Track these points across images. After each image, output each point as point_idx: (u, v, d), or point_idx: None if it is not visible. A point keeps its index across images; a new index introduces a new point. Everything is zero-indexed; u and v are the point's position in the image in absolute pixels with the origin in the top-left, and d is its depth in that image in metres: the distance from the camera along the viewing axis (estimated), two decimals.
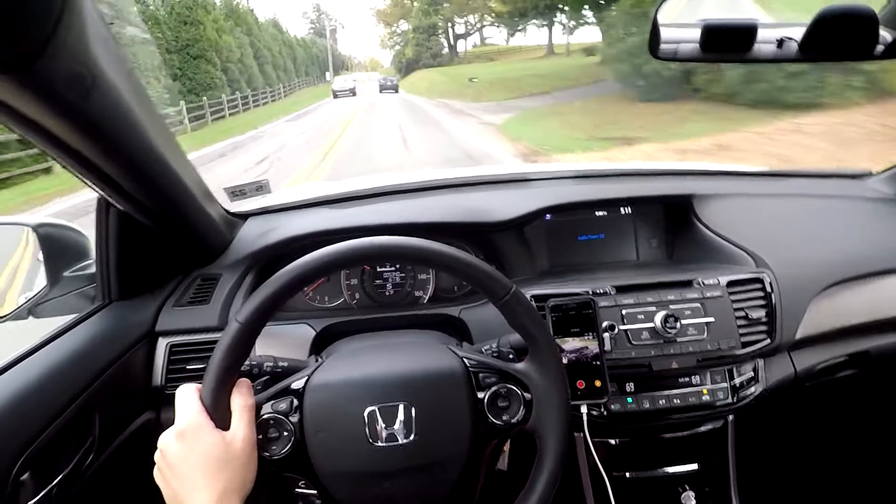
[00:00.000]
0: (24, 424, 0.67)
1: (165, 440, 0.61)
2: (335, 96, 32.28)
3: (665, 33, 0.92)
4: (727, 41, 0.96)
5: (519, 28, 52.93)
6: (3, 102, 0.50)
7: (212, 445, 0.59)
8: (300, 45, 50.84)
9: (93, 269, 0.93)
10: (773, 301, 0.98)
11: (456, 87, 25.84)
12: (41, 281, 0.93)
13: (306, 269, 0.64)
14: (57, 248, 0.90)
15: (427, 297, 1.13)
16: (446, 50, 61.55)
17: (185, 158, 0.85)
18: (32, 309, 0.88)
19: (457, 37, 64.36)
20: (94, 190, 0.77)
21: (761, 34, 0.96)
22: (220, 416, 0.61)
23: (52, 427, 0.71)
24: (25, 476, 0.67)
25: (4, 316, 0.89)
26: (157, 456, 0.62)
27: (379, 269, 1.13)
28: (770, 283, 0.99)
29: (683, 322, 0.92)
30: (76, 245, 0.95)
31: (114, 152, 0.65)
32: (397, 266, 1.13)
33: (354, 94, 32.56)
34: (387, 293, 1.13)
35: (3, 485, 0.63)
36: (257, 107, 24.71)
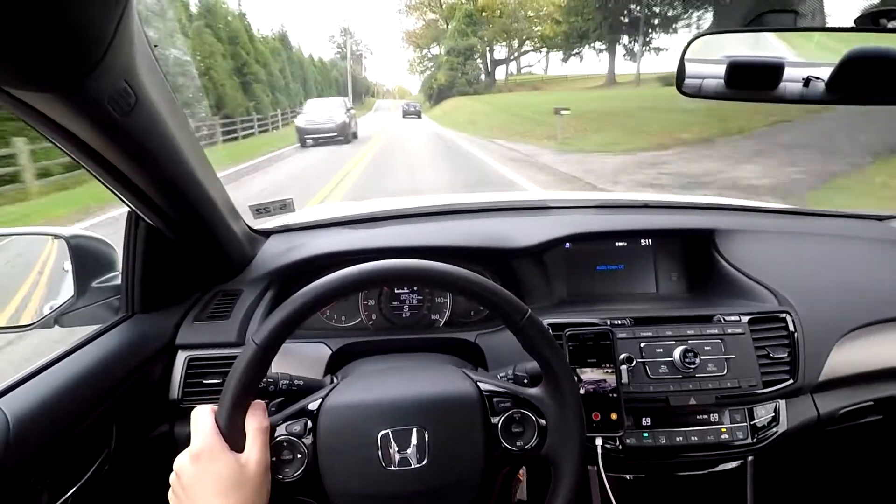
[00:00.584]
0: (46, 432, 0.68)
1: (181, 462, 0.61)
2: (302, 141, 16.09)
3: (690, 69, 0.93)
4: (753, 79, 0.96)
5: (574, 52, 45.66)
6: (48, 118, 0.52)
7: (226, 468, 0.59)
8: (316, 67, 44.78)
9: (118, 281, 0.95)
10: (797, 341, 0.96)
11: (510, 121, 18.85)
12: (65, 290, 0.95)
13: (325, 289, 0.64)
14: (86, 259, 0.93)
15: (443, 321, 1.13)
16: (483, 76, 53.68)
17: (215, 175, 0.87)
18: (59, 318, 0.90)
19: (495, 62, 56.74)
20: (125, 204, 0.80)
21: (788, 73, 0.96)
22: (234, 437, 0.62)
23: (72, 436, 0.72)
24: (43, 484, 0.67)
25: (31, 324, 0.91)
26: (172, 478, 0.62)
27: (396, 291, 1.14)
28: (793, 323, 0.97)
29: (703, 357, 0.91)
30: (104, 257, 0.97)
31: (149, 168, 0.68)
32: (415, 288, 1.14)
33: (345, 140, 16.35)
34: (403, 315, 1.13)
35: (21, 491, 0.64)
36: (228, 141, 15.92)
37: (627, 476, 0.99)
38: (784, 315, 0.98)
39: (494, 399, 0.69)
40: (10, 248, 1.02)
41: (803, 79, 1.01)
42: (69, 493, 0.72)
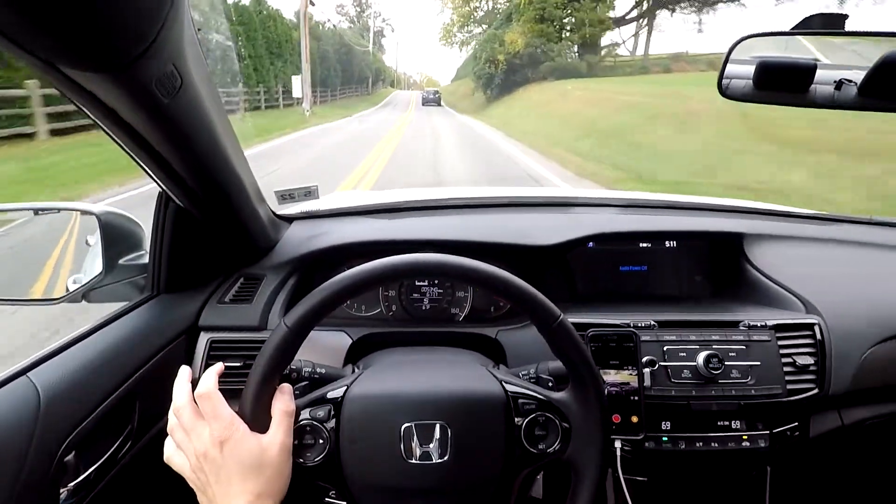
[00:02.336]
0: (73, 406, 0.69)
1: (205, 447, 0.61)
2: None
3: (728, 69, 0.91)
4: (783, 80, 0.94)
5: None
6: (94, 98, 0.52)
7: (248, 450, 0.60)
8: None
9: (145, 260, 0.96)
10: (826, 350, 0.94)
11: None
12: (88, 265, 0.96)
13: (362, 277, 0.64)
14: (115, 236, 0.94)
15: (463, 316, 1.12)
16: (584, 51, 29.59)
17: (245, 160, 0.87)
18: (87, 293, 0.91)
19: (620, 21, 32.09)
20: (158, 184, 0.80)
21: (819, 75, 0.94)
22: (259, 418, 0.62)
23: (97, 411, 0.73)
24: (69, 457, 0.68)
25: (60, 298, 0.92)
26: (192, 460, 0.62)
27: (417, 284, 1.14)
28: (821, 331, 0.96)
29: (727, 363, 0.90)
30: (132, 235, 0.98)
31: (186, 150, 0.68)
32: (436, 282, 1.14)
33: None
34: (423, 308, 1.13)
35: (48, 464, 0.65)
36: None
37: (644, 479, 0.98)
38: (812, 323, 0.96)
39: (520, 401, 0.69)
40: (39, 221, 1.04)
41: (835, 82, 0.99)
42: (94, 467, 0.73)
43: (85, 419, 0.70)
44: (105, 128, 0.59)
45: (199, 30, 0.59)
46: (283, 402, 0.64)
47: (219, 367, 0.68)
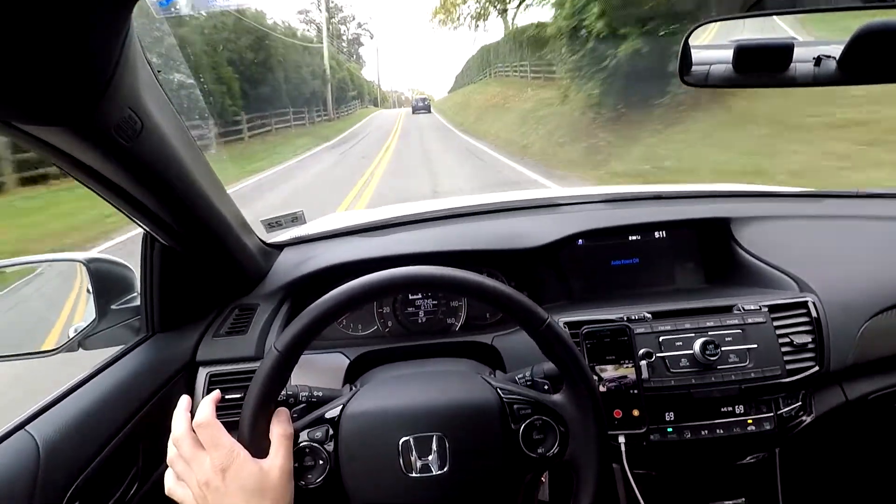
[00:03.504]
0: (75, 454, 0.70)
1: (207, 476, 0.61)
2: None
3: (696, 55, 0.91)
4: (762, 61, 0.94)
5: None
6: (59, 150, 0.53)
7: (249, 476, 0.60)
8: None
9: (137, 302, 0.97)
10: (822, 326, 0.94)
11: None
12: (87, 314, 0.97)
13: (344, 297, 0.65)
14: (105, 282, 0.94)
15: (459, 325, 1.12)
16: None
17: (226, 192, 0.88)
18: (82, 341, 0.92)
19: None
20: (139, 226, 0.81)
21: (798, 53, 0.94)
22: (257, 444, 0.62)
23: (100, 457, 0.73)
24: None
25: (57, 349, 0.93)
26: (195, 491, 0.62)
27: (411, 298, 1.14)
28: (816, 308, 0.95)
29: (724, 349, 0.89)
30: (123, 279, 0.99)
31: (159, 191, 0.69)
32: (429, 294, 1.14)
33: None
34: (419, 321, 1.13)
35: None
36: None
37: (653, 472, 0.97)
38: (806, 301, 0.96)
39: (515, 406, 0.69)
40: (43, 274, 1.05)
41: (814, 58, 0.98)
42: None
43: (88, 466, 0.71)
44: (74, 176, 0.60)
45: (158, 72, 0.60)
46: (280, 426, 0.64)
47: (215, 395, 0.68)
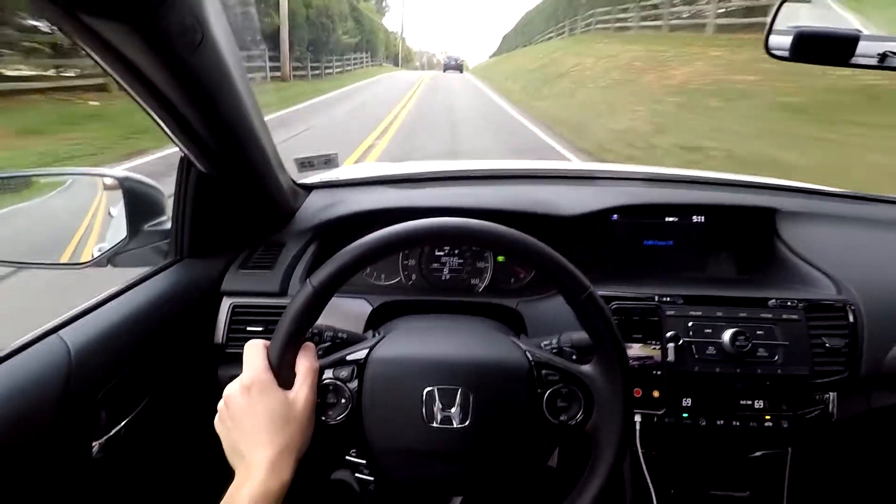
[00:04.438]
0: (102, 364, 0.71)
1: (231, 391, 0.62)
2: None
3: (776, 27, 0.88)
4: (822, 51, 0.90)
5: None
6: (114, 50, 0.51)
7: (275, 403, 0.60)
8: None
9: (167, 226, 0.97)
10: (858, 332, 0.92)
11: None
12: (112, 233, 0.98)
13: (387, 240, 0.64)
14: (138, 202, 0.94)
15: (482, 286, 1.12)
16: None
17: (266, 125, 0.87)
18: (112, 258, 0.93)
19: None
20: (179, 148, 0.80)
21: (862, 47, 0.90)
22: (284, 375, 0.63)
23: (125, 371, 0.74)
24: (101, 413, 0.70)
25: (86, 263, 0.94)
26: (220, 405, 0.63)
27: (437, 253, 1.13)
28: (854, 313, 0.93)
29: (754, 342, 0.88)
30: (154, 201, 0.98)
31: (207, 110, 0.67)
32: (456, 252, 1.13)
33: None
34: (443, 277, 1.13)
35: (81, 418, 0.67)
36: None
37: (662, 454, 0.98)
38: (845, 304, 0.93)
39: (543, 371, 0.68)
40: (68, 189, 1.05)
41: (878, 55, 0.94)
42: (122, 424, 0.75)
43: (114, 377, 0.72)
44: (125, 84, 0.59)
45: None
46: (307, 360, 0.65)
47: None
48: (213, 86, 0.64)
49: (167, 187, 0.97)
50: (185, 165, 0.88)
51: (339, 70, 26.62)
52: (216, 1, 0.58)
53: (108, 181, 0.97)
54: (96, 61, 0.55)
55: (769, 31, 0.85)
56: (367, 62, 37.07)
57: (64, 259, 1.00)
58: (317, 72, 22.79)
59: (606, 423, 0.66)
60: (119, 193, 0.93)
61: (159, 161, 5.55)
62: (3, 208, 1.11)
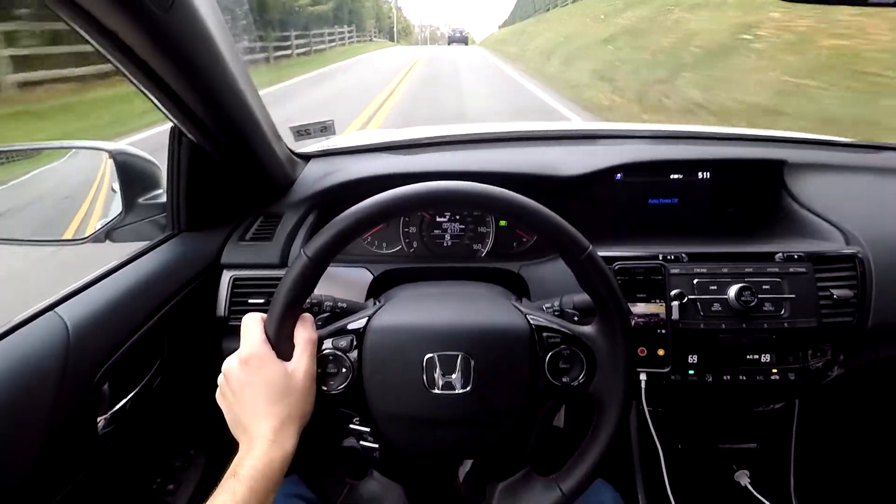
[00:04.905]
0: (102, 340, 0.71)
1: (229, 365, 0.62)
2: None
3: None
4: None
5: None
6: (88, 14, 0.49)
7: (274, 375, 0.60)
8: None
9: (164, 199, 0.96)
10: (867, 282, 0.90)
11: None
12: (113, 208, 0.97)
13: (382, 206, 0.62)
14: (132, 175, 0.93)
15: (485, 252, 1.10)
16: None
17: (258, 94, 0.84)
18: (109, 233, 0.92)
19: None
20: (167, 117, 0.78)
21: None
22: (282, 346, 0.62)
23: (126, 345, 0.74)
24: (104, 387, 0.71)
25: (85, 238, 0.93)
26: (220, 379, 0.63)
27: (438, 220, 1.11)
28: (863, 263, 0.91)
29: (760, 296, 0.86)
30: (149, 174, 0.97)
31: (191, 76, 0.65)
32: (457, 217, 1.11)
33: None
34: (444, 244, 1.11)
35: (83, 393, 0.67)
36: None
37: (668, 410, 0.98)
38: (853, 255, 0.92)
39: (544, 334, 0.67)
40: (69, 162, 1.04)
41: None
42: (127, 399, 0.75)
43: (116, 352, 0.72)
44: (103, 51, 0.57)
45: None
46: (305, 331, 0.64)
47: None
48: (192, 48, 0.61)
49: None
50: (176, 135, 0.86)
51: (302, 51, 20.19)
52: None
53: (102, 155, 0.96)
54: (74, 29, 0.53)
55: None
56: (349, 38, 30.49)
57: (68, 235, 1.00)
58: (264, 54, 16.66)
59: (609, 384, 0.66)
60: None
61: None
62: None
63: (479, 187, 0.63)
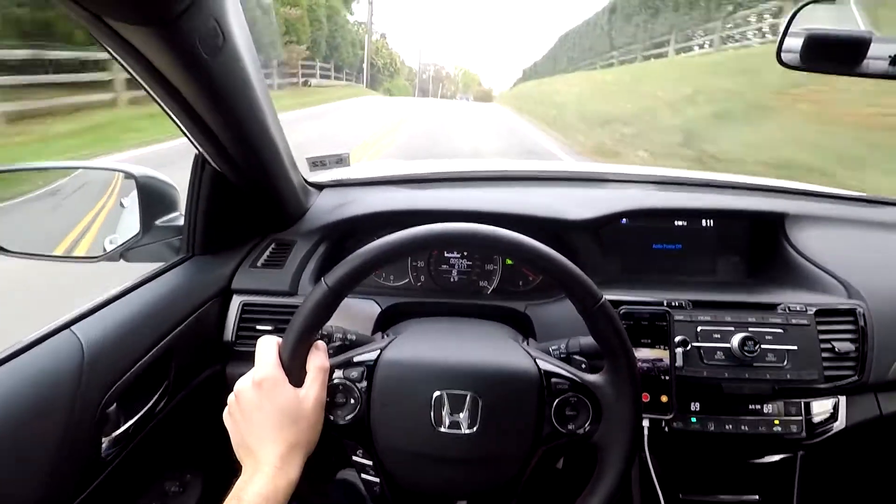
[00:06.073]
0: (114, 360, 0.72)
1: (242, 385, 0.62)
2: None
3: (788, 42, 0.87)
4: (834, 54, 0.89)
5: None
6: (138, 53, 0.52)
7: (286, 400, 0.61)
8: None
9: (180, 222, 0.98)
10: (868, 336, 0.91)
11: None
12: (122, 225, 0.99)
13: (403, 243, 0.64)
14: (152, 198, 0.95)
15: (491, 289, 1.12)
16: None
17: (280, 125, 0.87)
18: (124, 253, 0.94)
19: None
20: (195, 147, 0.81)
21: (874, 49, 0.89)
22: (295, 372, 0.63)
23: (136, 367, 0.75)
24: (111, 409, 0.71)
25: (98, 257, 0.95)
26: (230, 398, 0.64)
27: (446, 255, 1.13)
28: (864, 317, 0.92)
29: (763, 347, 0.88)
30: (169, 197, 0.99)
31: (226, 111, 0.68)
32: (465, 253, 1.13)
33: None
34: (451, 279, 1.13)
35: (92, 413, 0.67)
36: None
37: (670, 458, 0.98)
38: (854, 309, 0.93)
39: (553, 379, 0.68)
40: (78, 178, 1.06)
41: (890, 56, 0.93)
42: (132, 421, 0.75)
43: (125, 373, 0.73)
44: (146, 86, 0.60)
45: None
46: (318, 358, 0.65)
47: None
48: (233, 88, 0.64)
49: None
50: (199, 163, 0.89)
51: None
52: (237, 5, 0.59)
53: (124, 177, 0.98)
54: (121, 64, 0.56)
55: (782, 40, 0.84)
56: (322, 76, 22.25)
57: (59, 251, 1.00)
58: None
59: (615, 435, 0.66)
60: (130, 184, 0.94)
61: None
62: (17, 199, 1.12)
63: (497, 232, 0.65)
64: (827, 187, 1.35)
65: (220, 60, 0.58)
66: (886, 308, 0.94)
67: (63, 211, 1.11)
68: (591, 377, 0.69)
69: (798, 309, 0.92)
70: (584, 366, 0.74)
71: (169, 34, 0.49)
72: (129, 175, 0.94)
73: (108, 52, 0.52)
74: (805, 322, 0.90)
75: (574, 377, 0.68)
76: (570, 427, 0.67)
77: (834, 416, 0.91)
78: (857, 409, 0.93)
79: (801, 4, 0.84)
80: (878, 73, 0.90)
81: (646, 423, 0.85)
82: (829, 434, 0.92)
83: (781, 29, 0.82)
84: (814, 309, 0.92)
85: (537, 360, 0.70)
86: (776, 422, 0.90)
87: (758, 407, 0.90)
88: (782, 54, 0.85)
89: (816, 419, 0.91)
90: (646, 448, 0.84)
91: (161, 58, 0.53)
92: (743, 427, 0.89)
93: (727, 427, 0.89)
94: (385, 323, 0.97)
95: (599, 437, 0.67)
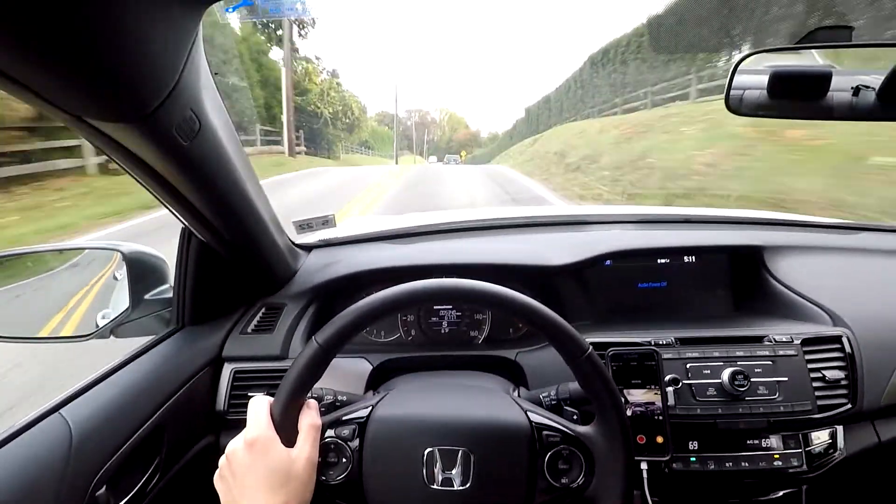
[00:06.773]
0: (103, 441, 0.71)
1: (234, 447, 0.62)
2: None
3: (737, 80, 0.91)
4: (797, 88, 0.93)
5: None
6: (120, 145, 0.55)
7: (277, 461, 0.60)
8: None
9: (169, 294, 0.99)
10: (856, 363, 0.92)
11: None
12: (114, 301, 0.99)
13: (391, 301, 0.65)
14: (141, 272, 0.97)
15: (482, 338, 1.13)
16: None
17: (263, 193, 0.90)
18: (115, 329, 0.94)
19: None
20: (180, 221, 0.83)
21: (836, 82, 0.92)
22: (287, 432, 0.63)
23: (127, 445, 0.74)
24: (100, 492, 0.70)
25: (89, 335, 0.95)
26: (221, 461, 0.63)
27: (436, 308, 1.14)
28: (850, 343, 0.93)
29: (753, 380, 0.88)
30: (157, 270, 1.01)
31: (207, 189, 0.71)
32: (454, 306, 1.14)
33: None
34: (442, 331, 1.14)
35: (80, 498, 0.66)
36: None
37: (672, 501, 0.96)
38: (840, 336, 0.94)
39: (544, 432, 0.68)
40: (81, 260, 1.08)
41: (853, 88, 0.96)
42: (124, 501, 0.74)
43: (115, 453, 0.72)
44: (130, 172, 0.62)
45: (215, 73, 0.62)
46: (310, 417, 0.65)
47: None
48: (211, 168, 0.67)
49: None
50: (186, 236, 0.91)
51: None
52: (212, 90, 0.62)
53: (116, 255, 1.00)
54: (106, 153, 0.59)
55: (729, 87, 0.89)
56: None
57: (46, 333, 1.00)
58: None
59: (609, 484, 0.66)
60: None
61: None
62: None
63: (482, 287, 0.67)
64: (804, 216, 1.38)
65: (197, 143, 0.61)
66: (871, 333, 0.95)
67: (50, 292, 1.12)
68: (582, 429, 0.69)
69: (784, 340, 0.93)
70: (575, 417, 0.74)
71: (147, 127, 0.52)
72: (114, 251, 0.95)
73: (94, 145, 0.55)
74: (793, 352, 0.91)
75: (565, 429, 0.68)
76: (563, 481, 0.67)
77: (833, 447, 0.91)
78: (855, 439, 0.92)
79: (743, 55, 0.89)
80: (843, 112, 0.90)
81: (644, 465, 0.84)
82: (831, 465, 0.90)
83: (727, 81, 0.87)
84: (800, 338, 0.93)
85: (528, 413, 0.70)
86: (776, 456, 0.89)
87: (756, 442, 0.89)
88: (736, 104, 0.89)
89: (816, 450, 0.90)
90: (646, 490, 0.83)
91: (140, 147, 0.56)
92: (743, 464, 0.88)
93: (727, 465, 0.88)
94: (377, 380, 0.97)
95: (594, 489, 0.66)
